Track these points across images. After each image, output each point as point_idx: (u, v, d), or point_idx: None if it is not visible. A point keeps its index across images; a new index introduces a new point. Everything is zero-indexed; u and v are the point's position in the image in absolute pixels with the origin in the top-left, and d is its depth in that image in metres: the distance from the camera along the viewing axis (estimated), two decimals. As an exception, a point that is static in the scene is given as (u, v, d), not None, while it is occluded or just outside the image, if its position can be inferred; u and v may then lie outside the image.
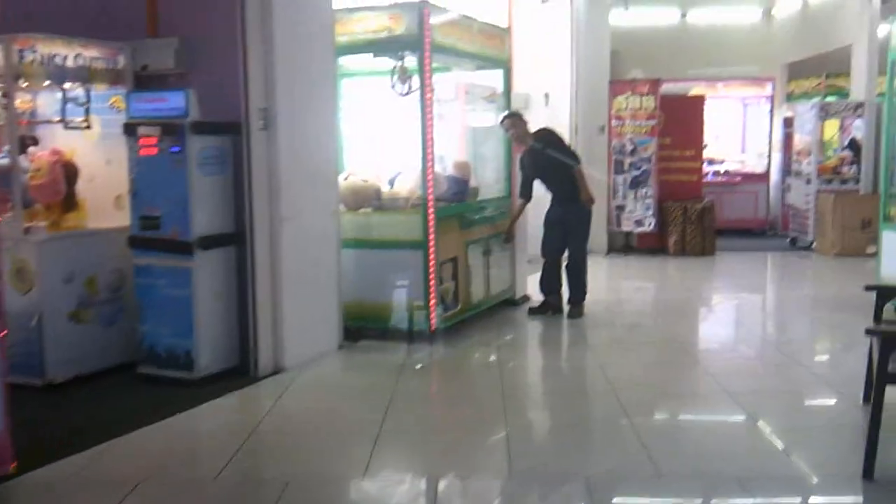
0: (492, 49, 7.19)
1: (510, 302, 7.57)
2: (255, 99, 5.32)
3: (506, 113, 7.16)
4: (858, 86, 11.22)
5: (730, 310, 8.08)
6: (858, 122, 11.05)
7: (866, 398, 4.63)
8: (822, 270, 10.03)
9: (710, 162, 13.30)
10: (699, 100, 11.41)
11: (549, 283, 7.17)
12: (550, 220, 7.12)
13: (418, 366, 5.76)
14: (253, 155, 5.33)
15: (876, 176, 10.88)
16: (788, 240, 11.84)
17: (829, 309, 7.48)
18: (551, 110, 10.90)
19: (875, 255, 10.22)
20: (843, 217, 10.43)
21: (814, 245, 11.05)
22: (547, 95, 10.89)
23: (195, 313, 5.14)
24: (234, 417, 4.78)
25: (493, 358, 6.07)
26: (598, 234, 11.02)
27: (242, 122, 5.30)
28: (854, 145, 11.12)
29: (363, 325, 6.30)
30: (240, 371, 5.37)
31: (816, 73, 13.34)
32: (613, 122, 10.90)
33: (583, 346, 6.42)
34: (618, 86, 10.91)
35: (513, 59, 7.72)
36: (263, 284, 5.40)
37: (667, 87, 11.13)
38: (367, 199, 6.43)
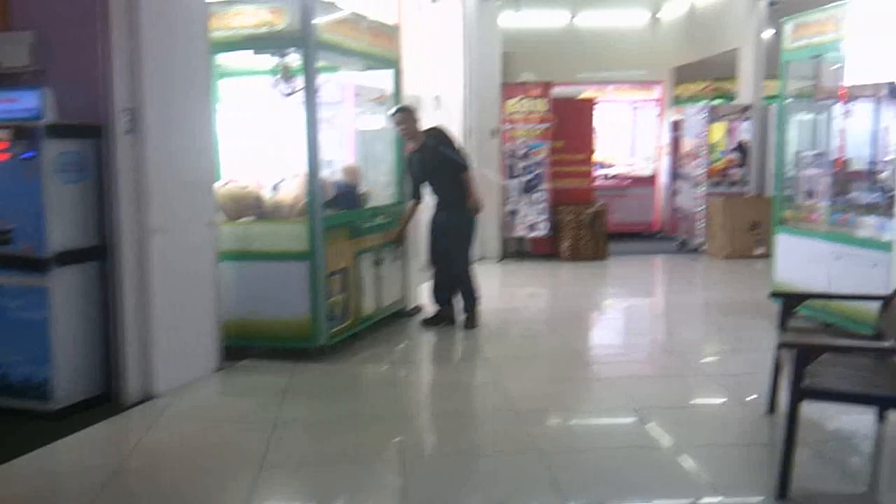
0: (381, 48, 6.84)
1: (402, 313, 7.24)
2: (119, 99, 4.81)
3: (397, 107, 6.81)
4: (745, 89, 11.46)
5: (626, 317, 7.98)
6: (745, 125, 11.28)
7: (771, 408, 4.54)
8: (714, 273, 10.15)
9: (601, 166, 13.38)
10: (589, 103, 11.40)
11: (441, 293, 6.86)
12: (435, 226, 6.82)
13: (304, 387, 5.34)
14: (118, 160, 4.82)
15: (763, 178, 11.15)
16: (678, 242, 11.99)
17: (725, 313, 7.48)
18: (443, 113, 10.64)
19: (763, 256, 10.50)
20: (732, 219, 10.61)
21: (703, 247, 11.21)
22: (438, 98, 10.62)
23: (52, 337, 4.61)
24: (97, 453, 4.25)
25: (385, 376, 5.73)
26: (491, 239, 10.88)
27: (106, 124, 4.80)
28: (741, 148, 11.34)
29: (246, 344, 5.84)
30: (105, 400, 4.83)
31: (703, 76, 13.61)
32: (506, 126, 10.73)
33: (479, 359, 6.14)
34: (510, 89, 10.76)
35: (403, 60, 7.39)
36: (131, 303, 4.88)
37: (558, 91, 11.05)
38: (248, 207, 5.96)
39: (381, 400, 5.12)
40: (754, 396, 4.81)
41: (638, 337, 7.00)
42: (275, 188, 6.14)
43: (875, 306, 4.49)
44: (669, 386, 5.34)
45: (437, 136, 6.72)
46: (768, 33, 11.00)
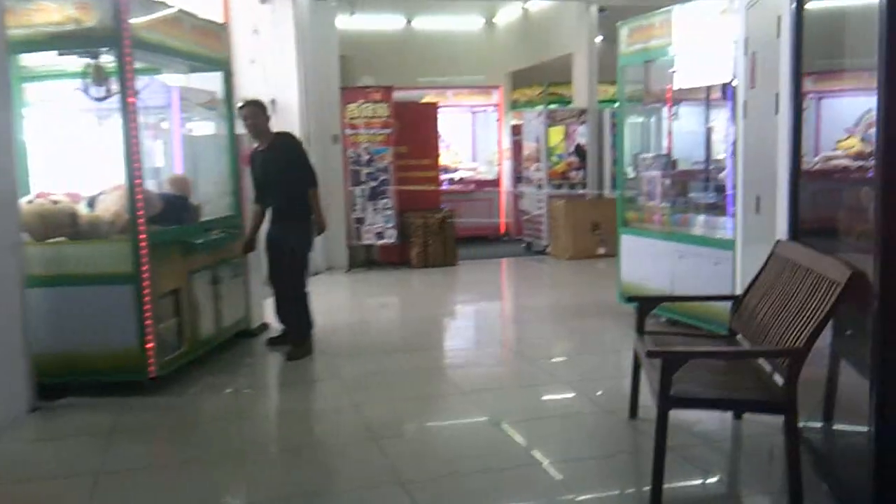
0: (208, 48, 6.31)
1: (247, 333, 6.73)
2: None
3: (246, 100, 6.29)
4: (580, 93, 11.67)
5: (481, 324, 7.82)
6: (582, 129, 11.48)
7: (633, 413, 4.45)
8: (560, 274, 10.23)
9: (445, 170, 13.29)
10: (432, 107, 11.24)
11: (284, 311, 6.40)
12: (271, 242, 6.27)
13: (134, 426, 4.76)
14: None
15: (601, 180, 11.39)
16: (524, 245, 12.06)
17: (576, 315, 7.45)
18: (280, 118, 10.13)
19: (605, 256, 10.70)
20: (574, 221, 10.75)
21: (548, 249, 11.30)
22: (274, 102, 10.10)
23: None
24: None
25: (227, 407, 5.22)
26: (338, 249, 10.48)
27: None
28: (579, 151, 11.54)
29: (66, 380, 5.16)
30: None
31: (539, 81, 13.82)
32: (347, 131, 10.37)
33: (333, 381, 5.72)
34: (350, 93, 10.41)
35: (233, 61, 6.88)
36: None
37: (400, 95, 10.82)
38: (60, 225, 5.28)
39: (223, 437, 4.62)
40: (602, 396, 4.72)
41: (494, 345, 6.83)
42: (91, 203, 5.49)
43: (725, 305, 4.50)
44: (530, 396, 5.17)
45: (289, 144, 6.25)
46: (599, 39, 11.27)
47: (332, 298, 8.95)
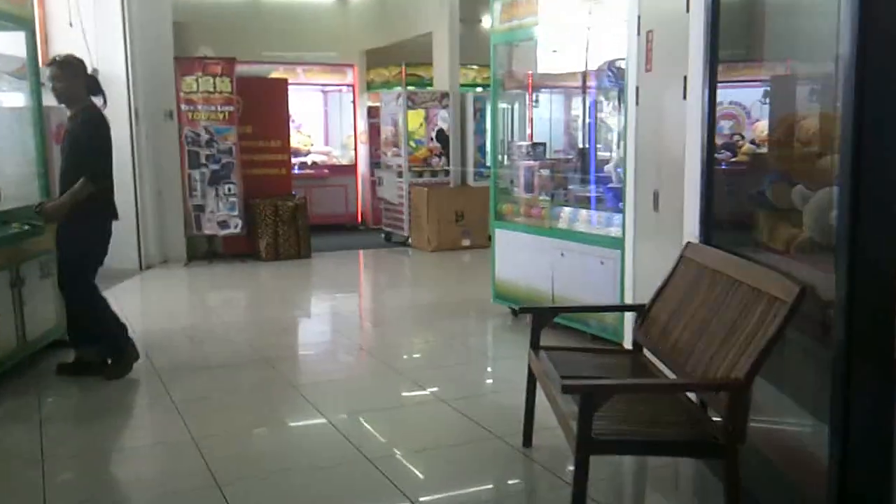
0: (6, 1, 5.14)
1: (63, 343, 5.62)
2: None
3: (55, 57, 5.12)
4: (441, 76, 11.01)
5: (340, 328, 6.81)
6: (444, 113, 10.84)
7: (527, 441, 3.84)
8: (425, 268, 9.57)
9: (296, 153, 12.33)
10: (281, 84, 10.24)
11: (77, 330, 5.24)
12: (57, 236, 5.12)
13: None
14: None
15: (465, 167, 10.81)
16: (383, 235, 11.33)
17: (448, 316, 6.80)
18: (105, 87, 8.86)
19: (470, 247, 10.15)
20: (438, 211, 10.12)
21: (410, 240, 10.63)
22: (95, 71, 8.81)
23: None
24: None
25: (23, 446, 4.16)
26: (174, 239, 9.37)
27: None
28: (442, 136, 10.90)
29: None
30: None
31: (396, 61, 13.04)
32: (184, 107, 9.23)
33: (165, 407, 4.71)
34: (186, 64, 9.26)
35: (43, 22, 5.71)
36: None
37: (243, 70, 9.77)
38: None
39: (27, 482, 3.62)
40: (488, 418, 4.08)
41: (357, 354, 5.99)
42: None
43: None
44: (406, 418, 4.47)
45: (85, 119, 5.04)
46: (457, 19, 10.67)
47: (165, 297, 7.92)
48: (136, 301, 7.72)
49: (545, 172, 5.96)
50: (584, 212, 5.60)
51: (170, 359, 5.52)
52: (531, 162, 6.10)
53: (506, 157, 6.51)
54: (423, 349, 5.95)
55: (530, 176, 6.14)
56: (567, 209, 5.75)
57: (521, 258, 6.16)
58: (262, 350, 5.84)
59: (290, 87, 11.01)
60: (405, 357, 5.73)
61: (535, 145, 6.23)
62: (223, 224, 9.41)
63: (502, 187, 6.48)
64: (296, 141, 12.55)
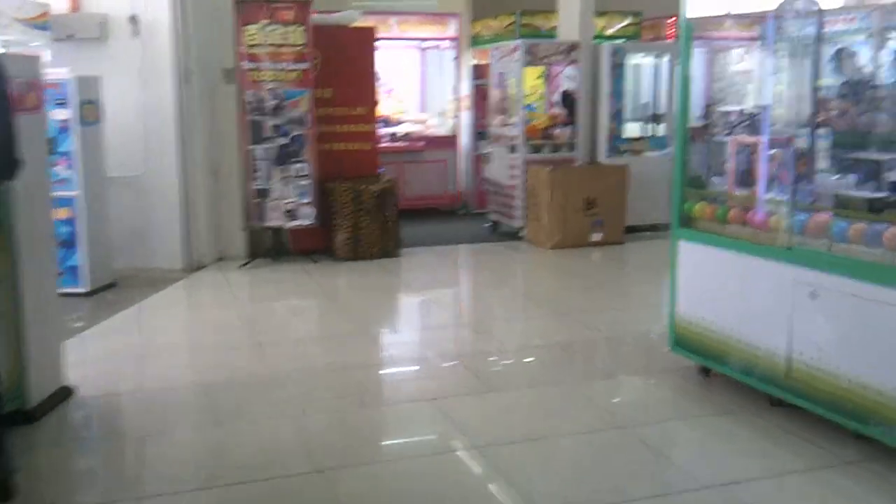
0: None
1: (21, 415, 3.72)
2: None
3: None
4: (567, 24, 8.67)
5: (446, 389, 4.35)
6: (569, 71, 8.53)
7: None
8: (545, 274, 7.36)
9: (385, 123, 10.27)
10: (368, 35, 8.10)
11: None
12: None
13: None
14: None
15: (594, 140, 8.53)
16: (488, 224, 9.17)
17: (588, 367, 4.63)
18: (144, 44, 6.99)
19: (602, 243, 7.90)
20: (562, 196, 7.87)
21: (523, 233, 8.43)
22: (135, 19, 6.94)
23: None
24: None
25: None
26: (232, 233, 7.48)
27: None
28: (567, 100, 8.60)
29: None
30: None
31: (508, 9, 10.78)
32: (246, 65, 7.23)
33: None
34: (249, 8, 7.22)
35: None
36: None
37: (321, 18, 7.70)
38: None
39: None
40: None
41: (471, 463, 3.84)
42: None
43: None
44: None
45: None
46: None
47: (207, 317, 5.98)
48: (169, 324, 5.80)
49: (778, 154, 3.64)
50: (861, 225, 3.26)
51: (164, 460, 3.52)
52: (750, 138, 3.80)
53: (704, 131, 4.18)
54: (556, 454, 3.70)
55: (747, 160, 3.84)
56: (823, 217, 3.43)
57: (727, 290, 3.89)
58: (319, 442, 3.75)
59: (382, 43, 8.99)
60: (519, 472, 3.52)
61: (753, 113, 3.90)
62: (291, 214, 7.41)
63: (695, 176, 4.18)
64: (386, 108, 10.50)
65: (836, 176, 3.56)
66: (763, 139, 3.76)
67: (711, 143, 4.14)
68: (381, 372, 4.58)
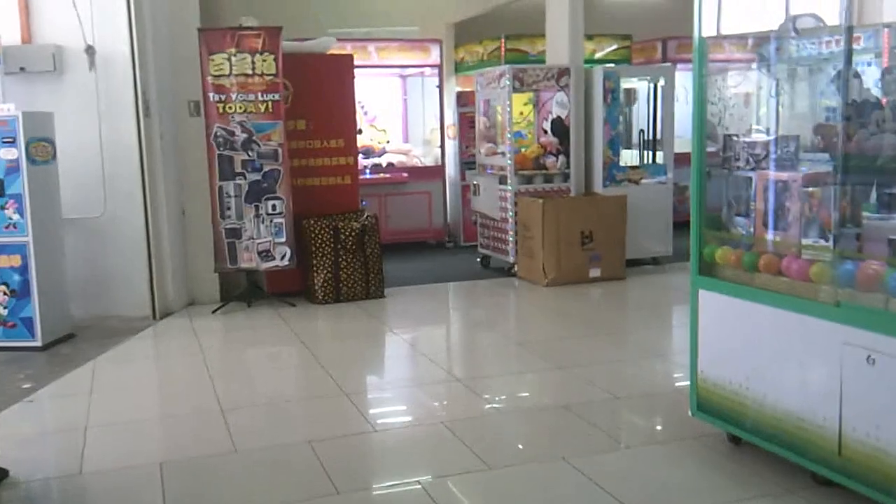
0: None
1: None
2: None
3: None
4: (556, 48, 8.20)
5: (443, 463, 3.80)
6: (560, 97, 8.05)
7: None
8: (541, 315, 6.81)
9: (368, 153, 9.77)
10: (345, 62, 7.58)
11: None
12: None
13: None
14: None
15: (590, 169, 8.05)
16: (479, 259, 8.64)
17: (600, 433, 4.06)
18: (101, 76, 6.47)
19: (599, 279, 7.39)
20: (557, 229, 7.36)
21: (515, 269, 7.91)
22: (91, 50, 6.43)
23: None
24: None
25: None
26: (204, 275, 6.94)
27: None
28: (559, 128, 8.11)
29: None
30: None
31: (492, 34, 10.34)
32: (212, 97, 6.70)
33: None
34: (214, 36, 6.70)
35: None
36: None
37: (292, 46, 7.19)
38: None
39: None
40: None
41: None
42: None
43: None
44: None
45: None
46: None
47: (154, 377, 5.45)
48: (125, 385, 5.21)
49: (817, 192, 3.14)
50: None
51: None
52: (784, 173, 3.29)
53: (729, 159, 3.65)
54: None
55: (778, 197, 3.33)
56: (875, 267, 2.91)
57: (761, 350, 3.37)
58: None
59: (361, 71, 8.49)
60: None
61: (784, 138, 3.39)
62: (266, 255, 6.86)
63: (713, 215, 3.66)
64: (368, 138, 10.01)
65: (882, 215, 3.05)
66: (797, 174, 3.25)
67: (732, 178, 3.63)
68: (360, 444, 4.01)
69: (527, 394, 4.80)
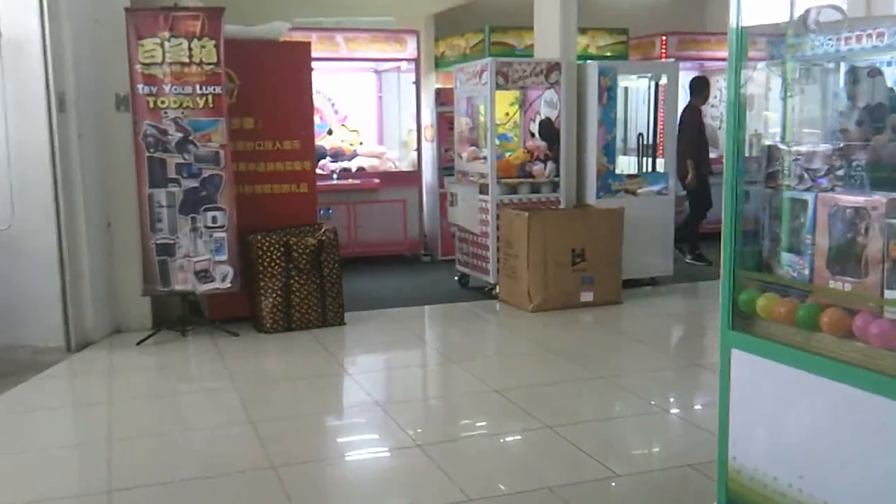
0: None
1: None
2: None
3: None
4: (546, 41, 7.24)
5: None
6: (549, 96, 7.10)
7: None
8: (528, 351, 5.78)
9: (337, 156, 8.81)
10: (302, 50, 6.54)
11: None
12: None
13: None
14: None
15: (582, 178, 7.11)
16: (456, 278, 7.67)
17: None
18: (8, 65, 5.50)
19: (591, 304, 6.44)
20: (545, 246, 6.40)
21: (497, 290, 6.95)
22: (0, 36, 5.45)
23: None
24: None
25: None
26: (132, 298, 5.96)
27: None
28: (547, 131, 7.15)
29: None
30: None
31: (475, 26, 9.38)
32: (142, 89, 5.71)
33: None
34: (144, 18, 5.70)
35: None
36: None
37: (236, 29, 6.20)
38: None
39: None
40: None
41: None
42: None
43: None
44: None
45: None
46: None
47: (45, 434, 4.34)
48: (6, 448, 4.19)
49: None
50: None
51: None
52: (860, 197, 2.34)
53: (777, 174, 2.69)
54: None
55: (848, 229, 2.38)
56: None
57: (823, 440, 2.41)
58: None
59: (330, 65, 7.53)
60: None
61: (850, 150, 2.44)
62: (204, 275, 5.87)
63: (753, 250, 2.70)
64: (339, 139, 9.05)
65: None
66: (879, 198, 2.30)
67: (778, 200, 2.67)
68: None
69: (505, 470, 3.75)
